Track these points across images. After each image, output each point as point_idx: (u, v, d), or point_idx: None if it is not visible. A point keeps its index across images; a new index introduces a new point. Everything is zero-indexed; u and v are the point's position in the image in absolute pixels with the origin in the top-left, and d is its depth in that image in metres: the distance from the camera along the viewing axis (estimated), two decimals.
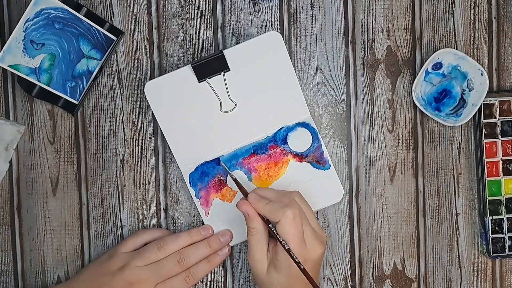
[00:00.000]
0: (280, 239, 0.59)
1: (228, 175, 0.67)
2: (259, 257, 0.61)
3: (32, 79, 0.65)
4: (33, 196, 0.69)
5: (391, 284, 0.71)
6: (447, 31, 0.70)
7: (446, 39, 0.70)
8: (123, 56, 0.69)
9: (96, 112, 0.69)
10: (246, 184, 0.68)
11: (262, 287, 0.62)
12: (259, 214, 0.61)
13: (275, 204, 0.60)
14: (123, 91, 0.69)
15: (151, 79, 0.66)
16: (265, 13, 0.69)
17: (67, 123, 0.69)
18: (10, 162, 0.69)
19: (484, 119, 0.69)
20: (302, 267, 0.58)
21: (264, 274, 0.61)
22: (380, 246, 0.71)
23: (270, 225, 0.60)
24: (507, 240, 0.69)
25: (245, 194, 0.62)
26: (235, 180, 0.64)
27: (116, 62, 0.69)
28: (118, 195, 0.70)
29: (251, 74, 0.66)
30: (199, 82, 0.65)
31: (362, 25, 0.70)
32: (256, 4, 0.69)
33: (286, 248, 0.58)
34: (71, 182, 0.69)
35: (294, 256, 0.58)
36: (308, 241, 0.60)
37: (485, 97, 0.68)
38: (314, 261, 0.61)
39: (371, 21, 0.70)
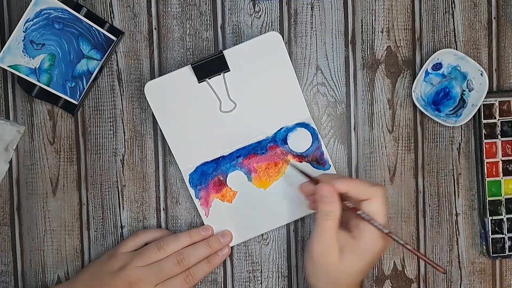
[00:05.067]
0: (374, 222, 0.56)
1: (233, 176, 0.68)
2: (330, 245, 0.57)
3: (32, 80, 0.65)
4: (33, 196, 0.69)
5: (391, 285, 0.71)
6: (447, 31, 0.70)
7: (446, 39, 0.70)
8: (123, 56, 0.69)
9: (96, 112, 0.69)
10: (246, 184, 0.68)
11: (323, 280, 0.58)
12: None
13: (363, 182, 0.57)
14: (123, 91, 0.69)
15: (151, 79, 0.66)
16: (265, 14, 0.70)
17: (67, 123, 0.69)
18: (10, 162, 0.69)
19: (484, 119, 0.69)
20: (411, 248, 0.56)
21: (336, 261, 0.57)
22: None
23: (352, 206, 0.57)
24: (507, 241, 0.69)
25: (316, 180, 0.60)
26: (303, 173, 0.62)
27: (116, 62, 0.69)
28: (118, 195, 0.70)
29: (251, 75, 0.66)
30: (199, 82, 0.65)
31: (362, 26, 0.70)
32: (256, 5, 0.69)
33: (385, 232, 0.56)
34: (71, 182, 0.69)
35: (397, 238, 0.56)
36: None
37: (485, 98, 0.68)
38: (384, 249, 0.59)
39: (371, 21, 0.70)
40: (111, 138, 0.69)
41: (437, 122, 0.70)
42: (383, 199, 0.56)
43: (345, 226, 0.59)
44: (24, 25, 0.63)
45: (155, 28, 0.69)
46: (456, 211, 0.71)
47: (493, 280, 0.71)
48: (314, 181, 0.61)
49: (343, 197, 0.58)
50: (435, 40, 0.70)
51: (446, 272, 0.70)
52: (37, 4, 0.63)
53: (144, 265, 0.65)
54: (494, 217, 0.69)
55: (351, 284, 0.59)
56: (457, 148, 0.71)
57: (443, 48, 0.70)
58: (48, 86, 0.66)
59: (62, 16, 0.64)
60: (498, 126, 0.69)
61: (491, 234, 0.69)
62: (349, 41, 0.70)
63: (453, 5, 0.70)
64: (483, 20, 0.70)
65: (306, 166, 0.68)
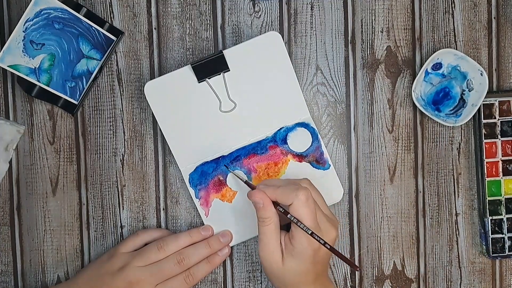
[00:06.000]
0: (300, 224, 0.58)
1: (233, 176, 0.68)
2: (273, 249, 0.60)
3: (32, 79, 0.65)
4: (33, 196, 0.69)
5: (390, 284, 0.71)
6: (447, 31, 0.70)
7: (446, 39, 0.70)
8: (123, 56, 0.69)
9: (96, 112, 0.69)
10: None
11: (276, 280, 0.61)
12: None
13: (287, 187, 0.60)
14: (123, 91, 0.69)
15: (151, 79, 0.66)
16: (265, 14, 0.70)
17: (67, 123, 0.69)
18: (10, 162, 0.69)
19: (484, 119, 0.69)
20: (330, 246, 0.58)
21: (280, 265, 0.60)
22: (380, 246, 0.71)
23: (282, 210, 0.60)
24: (507, 240, 0.69)
25: (254, 188, 0.63)
26: (245, 182, 0.65)
27: (116, 62, 0.69)
28: (118, 195, 0.70)
29: (251, 74, 0.66)
30: (199, 82, 0.65)
31: (362, 25, 0.70)
32: (256, 4, 0.69)
33: (309, 232, 0.58)
34: (71, 182, 0.69)
35: (318, 238, 0.58)
36: (322, 224, 0.60)
37: (485, 97, 0.68)
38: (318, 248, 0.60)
39: (371, 21, 0.70)
40: (111, 138, 0.69)
41: (437, 122, 0.70)
42: (303, 202, 0.58)
43: None
44: (24, 25, 0.63)
45: (155, 28, 0.69)
46: (456, 211, 0.71)
47: (493, 280, 0.71)
48: (253, 188, 0.63)
49: (277, 203, 0.61)
50: (435, 40, 0.70)
51: (360, 269, 0.70)
52: (37, 4, 0.63)
53: (144, 265, 0.65)
54: (494, 217, 0.69)
55: (300, 282, 0.61)
56: (457, 148, 0.71)
57: (443, 48, 0.70)
58: (48, 86, 0.66)
59: (62, 16, 0.64)
60: (498, 126, 0.69)
61: (491, 234, 0.69)
62: (349, 41, 0.70)
63: (453, 5, 0.70)
64: (483, 20, 0.70)
65: (305, 166, 0.68)
